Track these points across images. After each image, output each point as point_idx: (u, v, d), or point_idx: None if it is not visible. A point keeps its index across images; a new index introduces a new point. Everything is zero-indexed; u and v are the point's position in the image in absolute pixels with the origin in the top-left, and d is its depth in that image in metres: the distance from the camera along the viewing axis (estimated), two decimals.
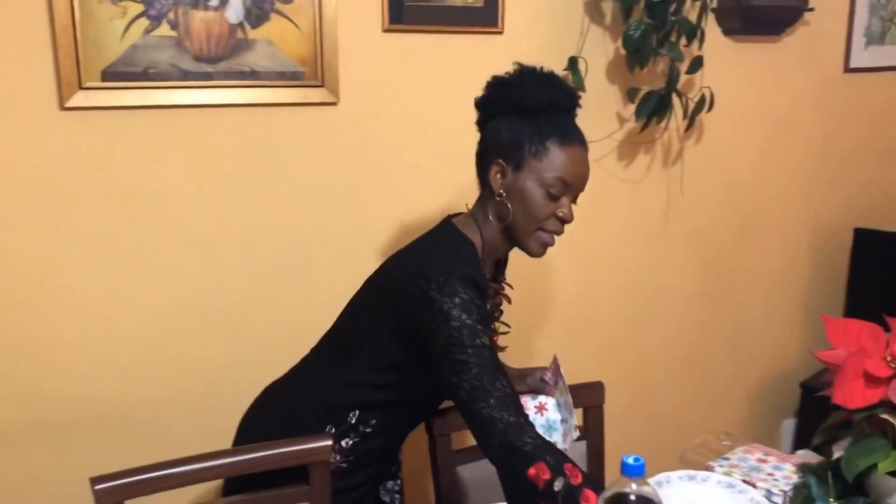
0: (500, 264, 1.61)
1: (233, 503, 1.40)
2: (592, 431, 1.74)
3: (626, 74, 2.21)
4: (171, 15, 1.76)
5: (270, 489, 1.40)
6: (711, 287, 2.61)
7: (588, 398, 1.74)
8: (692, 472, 1.60)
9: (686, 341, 2.59)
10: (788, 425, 2.86)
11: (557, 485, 1.17)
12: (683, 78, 2.21)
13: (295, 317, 1.97)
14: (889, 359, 1.36)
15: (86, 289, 1.79)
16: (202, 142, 1.84)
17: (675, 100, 2.19)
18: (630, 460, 1.05)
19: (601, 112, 2.27)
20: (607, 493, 1.07)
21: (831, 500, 1.42)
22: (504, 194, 1.44)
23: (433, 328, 1.33)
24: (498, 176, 1.45)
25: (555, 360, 1.57)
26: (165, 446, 1.89)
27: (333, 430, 1.47)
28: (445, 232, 1.49)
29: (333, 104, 1.95)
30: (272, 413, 1.57)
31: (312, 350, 1.62)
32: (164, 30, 1.76)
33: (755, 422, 2.80)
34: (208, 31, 1.80)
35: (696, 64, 2.18)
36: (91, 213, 1.77)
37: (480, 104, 1.49)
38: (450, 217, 1.54)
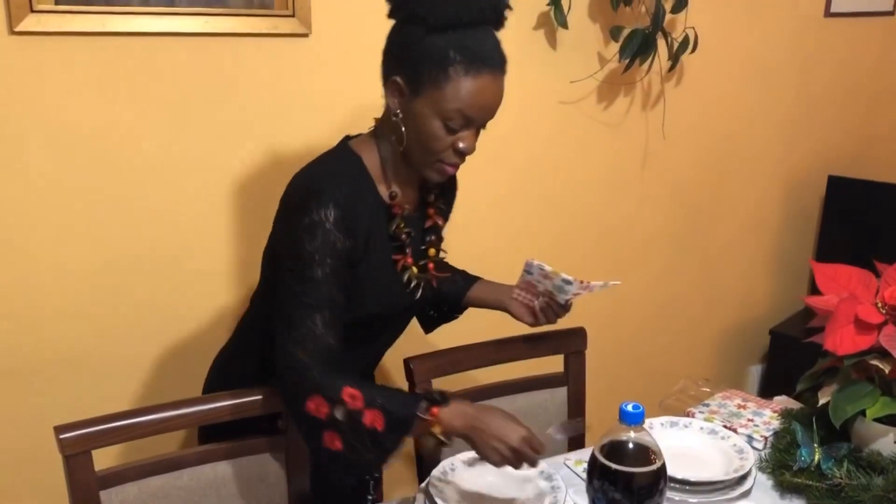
0: (442, 186, 1.48)
1: (205, 451, 1.33)
2: (574, 377, 1.71)
3: (608, 13, 2.13)
4: None
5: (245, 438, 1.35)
6: (686, 233, 2.59)
7: (570, 344, 1.70)
8: (674, 419, 1.59)
9: (660, 287, 2.57)
10: (755, 371, 2.89)
11: (338, 413, 1.18)
12: (667, 17, 2.14)
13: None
14: (880, 305, 1.35)
15: (30, 226, 1.67)
16: (163, 73, 1.72)
17: (660, 40, 2.12)
18: (629, 408, 1.01)
19: (582, 51, 2.20)
20: (604, 441, 1.03)
21: (815, 445, 1.41)
22: (400, 115, 1.29)
23: (283, 244, 1.30)
24: (394, 94, 1.29)
25: (527, 264, 1.50)
26: (128, 392, 1.84)
27: None
28: (333, 150, 1.38)
29: (305, 35, 1.84)
30: (223, 376, 1.51)
31: (248, 308, 1.55)
32: None
33: (723, 368, 2.82)
34: None
35: (682, 2, 2.11)
36: (40, 146, 1.65)
37: (393, 2, 1.30)
38: (347, 137, 1.42)
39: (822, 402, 1.41)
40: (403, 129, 1.29)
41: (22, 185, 1.65)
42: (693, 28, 2.18)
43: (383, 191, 1.36)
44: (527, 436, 1.17)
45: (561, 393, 1.69)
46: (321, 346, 1.23)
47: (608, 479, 1.01)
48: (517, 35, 2.08)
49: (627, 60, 2.09)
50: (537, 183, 2.25)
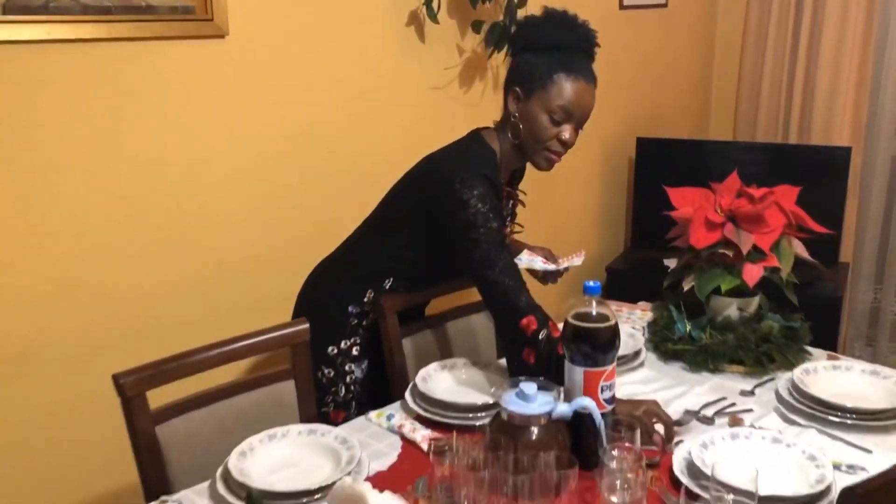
0: (517, 175, 1.96)
1: (233, 385, 1.57)
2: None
3: (467, 9, 2.53)
4: None
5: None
6: (531, 189, 3.05)
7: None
8: None
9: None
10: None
11: (542, 334, 1.53)
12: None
13: (187, 242, 2.09)
14: (719, 210, 1.86)
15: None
16: (104, 76, 1.89)
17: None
18: (591, 283, 1.41)
19: (445, 43, 2.59)
20: (573, 311, 1.42)
21: (686, 320, 1.90)
22: (517, 116, 1.74)
23: (453, 213, 1.65)
24: (513, 101, 1.76)
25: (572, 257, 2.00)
26: (90, 378, 1.95)
27: (372, 295, 1.84)
28: (472, 139, 1.82)
29: (221, 37, 2.07)
30: (323, 281, 1.91)
31: (356, 231, 1.93)
32: None
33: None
34: None
35: (520, 1, 2.55)
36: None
37: (510, 40, 1.83)
38: (478, 129, 1.85)
39: (686, 288, 1.90)
40: (521, 126, 1.74)
41: None
42: None
43: (502, 176, 1.81)
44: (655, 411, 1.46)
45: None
46: (518, 275, 1.63)
47: (580, 337, 1.41)
48: (393, 30, 2.44)
49: (491, 49, 2.51)
50: (414, 156, 2.60)
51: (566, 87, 1.71)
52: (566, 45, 1.73)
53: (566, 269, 1.98)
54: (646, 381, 1.80)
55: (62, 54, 1.82)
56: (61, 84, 1.83)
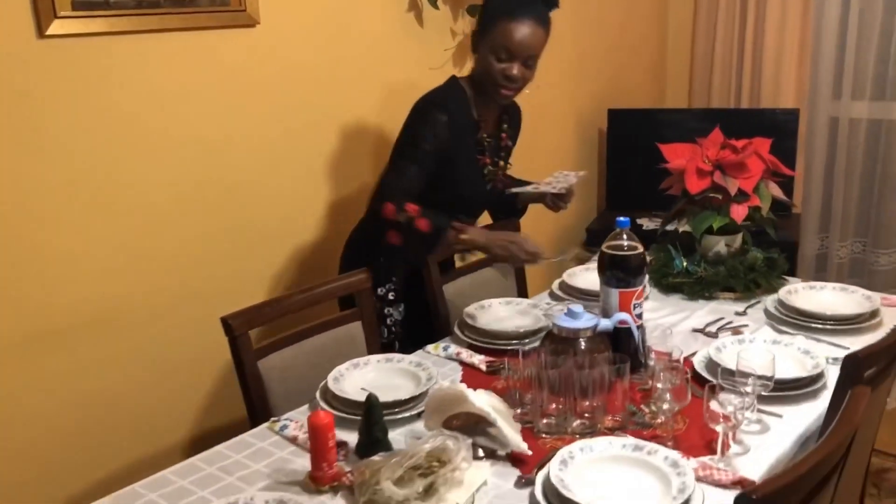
0: (508, 116, 2.22)
1: (313, 326, 1.81)
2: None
3: None
4: None
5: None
6: (517, 161, 3.32)
7: None
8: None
9: None
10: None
11: (402, 217, 1.87)
12: None
13: (237, 214, 2.31)
14: (706, 160, 2.16)
15: (69, 202, 1.97)
16: (159, 63, 2.09)
17: None
18: (621, 218, 1.70)
19: (439, 27, 2.83)
20: (607, 242, 1.70)
21: (682, 256, 2.20)
22: (476, 59, 2.06)
23: (403, 127, 2.05)
24: (473, 48, 2.07)
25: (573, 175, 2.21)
26: (155, 341, 2.16)
27: None
28: (448, 81, 2.14)
29: (252, 26, 2.28)
30: (358, 237, 2.23)
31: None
32: None
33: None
34: None
35: None
36: (73, 130, 1.95)
37: None
38: (455, 75, 2.17)
39: (682, 229, 2.21)
40: (477, 67, 2.04)
41: (56, 163, 1.95)
42: None
43: (474, 113, 2.08)
44: (521, 240, 1.90)
45: None
46: (405, 182, 1.95)
47: (614, 263, 1.69)
48: (395, 17, 2.68)
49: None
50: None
51: (507, 29, 1.96)
52: None
53: (567, 190, 2.18)
54: (653, 309, 2.09)
55: (122, 44, 2.01)
56: (122, 71, 2.02)
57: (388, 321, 2.15)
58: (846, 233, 3.64)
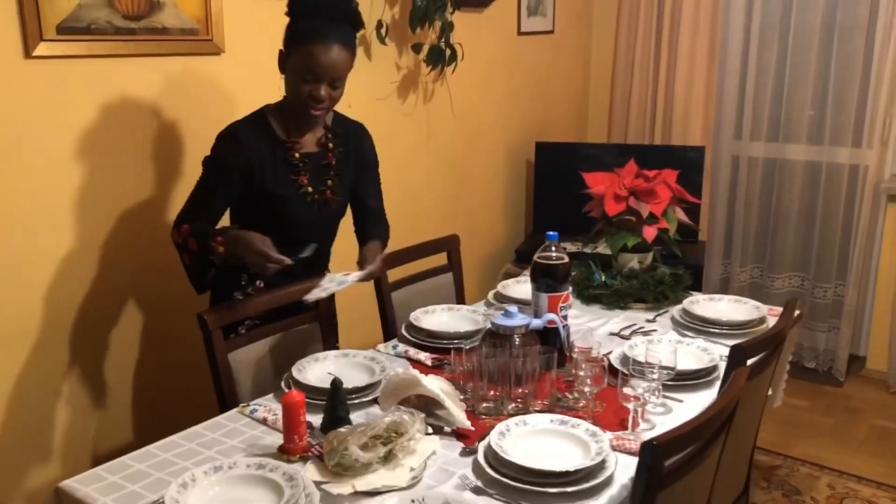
0: (343, 135, 2.16)
1: (279, 325, 2.02)
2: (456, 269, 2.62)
3: (406, 33, 3.05)
4: None
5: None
6: (452, 187, 3.60)
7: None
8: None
9: (442, 231, 3.55)
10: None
11: (179, 240, 1.96)
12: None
13: None
14: (622, 187, 2.47)
15: (46, 207, 2.14)
16: (131, 85, 2.28)
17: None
18: (551, 232, 1.97)
19: (386, 62, 3.09)
20: (539, 252, 1.97)
21: (601, 271, 2.50)
22: (285, 78, 2.02)
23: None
24: (280, 63, 2.02)
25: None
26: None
27: None
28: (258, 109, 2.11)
29: (217, 54, 2.49)
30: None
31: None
32: None
33: (487, 283, 3.90)
34: None
35: (450, 26, 3.10)
36: (52, 144, 2.12)
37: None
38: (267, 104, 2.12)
39: (600, 248, 2.51)
40: (287, 87, 2.01)
41: (38, 174, 2.13)
42: (460, 44, 3.19)
43: (282, 134, 2.05)
44: (265, 251, 1.82)
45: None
46: (189, 208, 1.99)
47: (544, 271, 1.96)
48: None
49: (430, 67, 3.04)
50: None
51: (312, 52, 1.92)
52: (312, 10, 1.96)
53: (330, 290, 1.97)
54: (576, 316, 2.36)
55: (99, 66, 2.19)
56: (98, 90, 2.20)
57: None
58: (746, 259, 4.04)
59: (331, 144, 2.14)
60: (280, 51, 2.01)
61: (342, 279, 1.96)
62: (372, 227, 2.25)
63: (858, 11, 3.54)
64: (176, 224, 1.99)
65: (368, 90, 3.04)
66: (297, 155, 2.06)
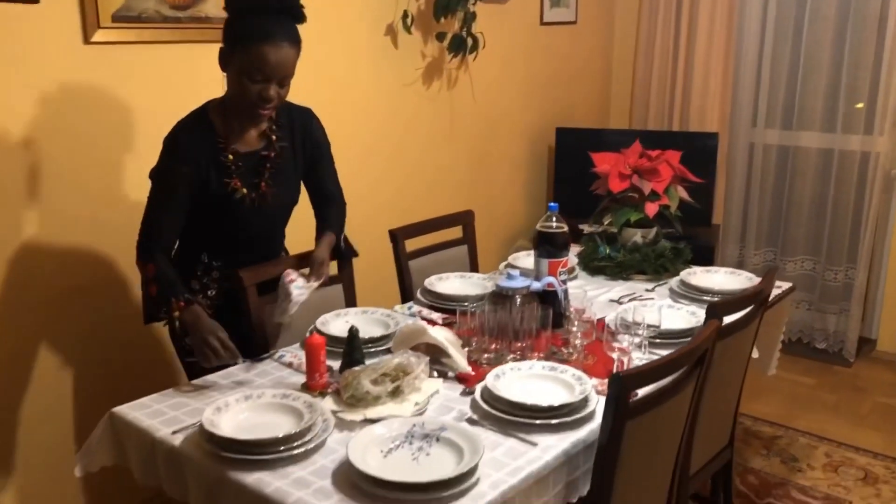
0: (287, 127, 2.09)
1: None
2: (470, 241, 2.82)
3: (430, 22, 3.25)
4: None
5: None
6: (474, 171, 3.80)
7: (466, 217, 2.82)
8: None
9: (456, 208, 3.74)
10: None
11: (145, 276, 1.96)
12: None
13: None
14: (626, 166, 2.65)
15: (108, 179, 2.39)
16: (178, 69, 2.51)
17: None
18: (551, 204, 2.16)
19: (411, 50, 3.29)
20: (540, 222, 2.16)
21: (606, 244, 2.68)
22: (227, 77, 1.93)
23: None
24: (221, 62, 1.93)
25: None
26: None
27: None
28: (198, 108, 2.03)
29: None
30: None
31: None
32: None
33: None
34: None
35: (472, 17, 3.29)
36: (110, 123, 2.37)
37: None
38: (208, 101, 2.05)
39: (606, 223, 2.69)
40: (229, 87, 1.93)
41: (100, 150, 2.36)
42: (482, 33, 3.38)
43: (224, 130, 1.98)
44: (215, 344, 1.78)
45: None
46: (155, 231, 1.97)
47: (545, 238, 2.15)
48: (374, 40, 3.13)
49: (452, 55, 3.24)
50: (386, 142, 3.30)
51: (259, 52, 1.84)
52: (255, 6, 1.88)
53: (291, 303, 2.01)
54: (580, 286, 2.55)
55: (149, 52, 2.43)
56: (146, 72, 2.44)
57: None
58: (760, 242, 4.18)
59: (274, 137, 2.08)
60: (221, 48, 1.93)
61: (300, 291, 2.00)
62: (328, 211, 2.25)
63: (871, 2, 3.65)
64: (140, 249, 1.95)
65: (395, 76, 3.25)
66: (230, 157, 2.00)
